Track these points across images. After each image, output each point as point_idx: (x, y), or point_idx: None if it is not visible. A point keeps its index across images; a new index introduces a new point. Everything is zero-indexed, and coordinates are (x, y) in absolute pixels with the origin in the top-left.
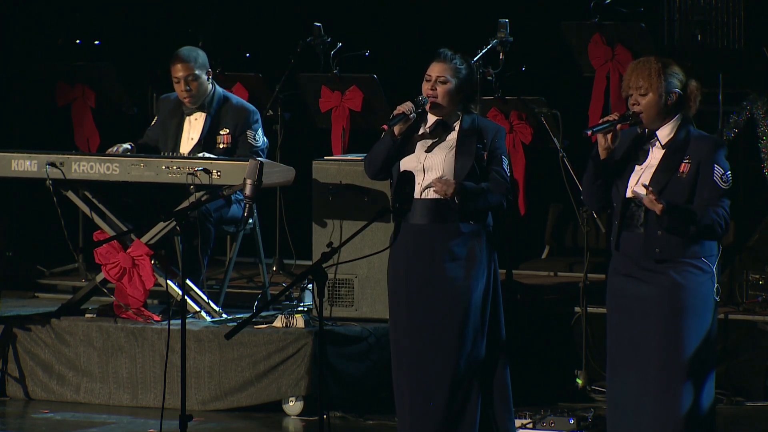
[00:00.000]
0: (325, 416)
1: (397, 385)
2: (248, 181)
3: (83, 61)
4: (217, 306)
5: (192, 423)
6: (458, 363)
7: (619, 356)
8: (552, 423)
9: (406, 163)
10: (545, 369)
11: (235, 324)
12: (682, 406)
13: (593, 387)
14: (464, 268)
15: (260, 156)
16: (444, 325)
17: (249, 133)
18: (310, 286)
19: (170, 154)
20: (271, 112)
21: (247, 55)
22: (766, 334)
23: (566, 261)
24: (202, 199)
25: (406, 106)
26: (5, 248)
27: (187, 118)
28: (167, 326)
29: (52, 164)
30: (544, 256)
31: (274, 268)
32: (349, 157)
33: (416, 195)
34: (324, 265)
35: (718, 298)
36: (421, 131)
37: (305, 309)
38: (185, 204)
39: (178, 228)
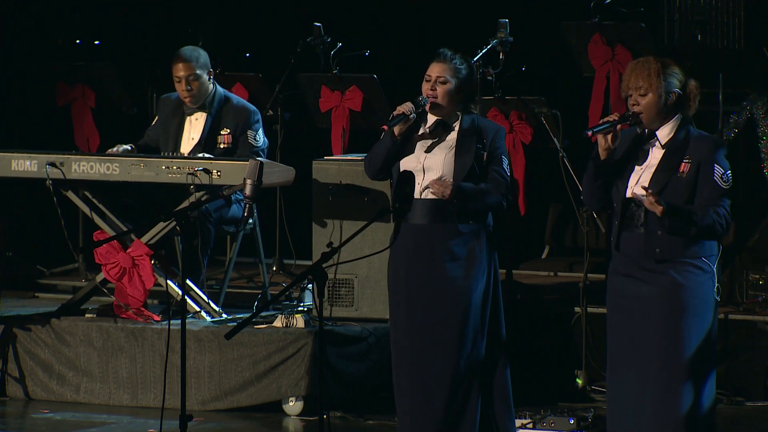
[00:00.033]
0: (325, 416)
1: (397, 385)
2: (248, 181)
3: (83, 61)
4: (217, 306)
5: (192, 423)
6: (458, 363)
7: (619, 356)
8: (552, 423)
9: (406, 163)
10: (545, 369)
11: (235, 324)
12: (683, 406)
13: (593, 387)
14: (464, 268)
15: (261, 156)
16: (444, 325)
17: (249, 133)
18: (310, 286)
19: (170, 154)
20: (271, 112)
21: (247, 55)
22: (766, 334)
23: (566, 261)
24: (202, 199)
25: (406, 107)
26: (5, 248)
27: (188, 117)
28: (167, 326)
29: (52, 164)
30: (544, 256)
31: (274, 268)
32: (349, 157)
33: (416, 195)
34: (324, 265)
35: (718, 298)
36: (420, 131)
37: (305, 309)
38: (185, 204)
39: (178, 228)
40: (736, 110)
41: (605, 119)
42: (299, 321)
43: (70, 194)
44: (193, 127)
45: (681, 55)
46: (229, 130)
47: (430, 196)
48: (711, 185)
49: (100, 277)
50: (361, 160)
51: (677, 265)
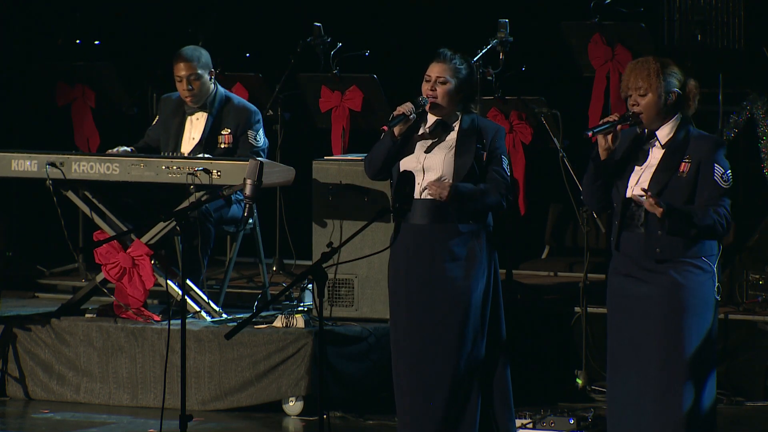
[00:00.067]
0: (325, 416)
1: (397, 385)
2: (248, 181)
3: (83, 61)
4: (217, 306)
5: (192, 423)
6: (458, 363)
7: (619, 356)
8: (552, 423)
9: (405, 164)
10: (545, 369)
11: (235, 324)
12: (683, 405)
13: (593, 387)
14: (464, 268)
15: (261, 156)
16: (444, 325)
17: (250, 133)
18: (310, 286)
19: (170, 154)
20: (271, 112)
21: (247, 55)
22: (766, 334)
23: (566, 261)
24: (202, 199)
25: (406, 107)
26: (5, 248)
27: (189, 117)
28: (167, 326)
29: (52, 164)
30: (544, 256)
31: (274, 268)
32: (349, 157)
33: (416, 195)
34: (324, 265)
35: (718, 298)
36: (420, 131)
37: (305, 309)
38: (185, 204)
39: (178, 228)
40: (736, 110)
41: (605, 119)
42: (299, 321)
43: (70, 194)
44: (194, 127)
45: (681, 55)
46: (229, 130)
47: (430, 197)
48: (711, 185)
49: (100, 277)
50: (361, 160)
51: (677, 265)
